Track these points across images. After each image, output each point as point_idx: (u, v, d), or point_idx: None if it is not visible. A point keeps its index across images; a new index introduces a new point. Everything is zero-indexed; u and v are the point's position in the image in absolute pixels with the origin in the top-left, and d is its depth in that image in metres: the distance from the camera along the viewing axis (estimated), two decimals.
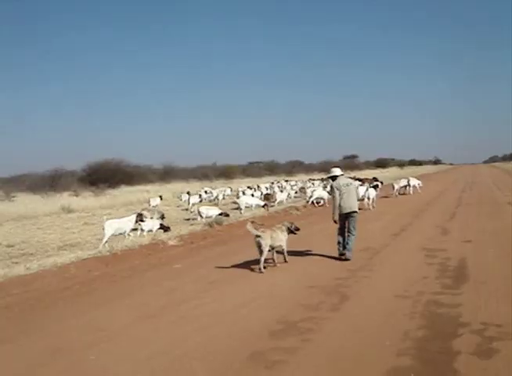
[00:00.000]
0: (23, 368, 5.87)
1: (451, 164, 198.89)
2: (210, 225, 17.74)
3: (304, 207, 24.99)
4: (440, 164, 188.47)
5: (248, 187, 37.21)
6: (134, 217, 15.81)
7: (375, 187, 25.68)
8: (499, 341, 5.73)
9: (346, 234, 11.33)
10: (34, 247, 16.19)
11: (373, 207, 23.45)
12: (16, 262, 12.95)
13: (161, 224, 17.08)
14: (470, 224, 15.84)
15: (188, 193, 31.69)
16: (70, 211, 29.89)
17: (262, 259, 10.35)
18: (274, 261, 10.97)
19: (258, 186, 38.26)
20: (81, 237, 17.85)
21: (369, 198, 23.55)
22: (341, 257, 11.10)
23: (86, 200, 35.93)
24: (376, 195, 25.32)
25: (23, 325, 7.58)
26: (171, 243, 14.35)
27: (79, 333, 7.04)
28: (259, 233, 10.49)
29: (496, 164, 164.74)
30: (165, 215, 20.61)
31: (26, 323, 7.66)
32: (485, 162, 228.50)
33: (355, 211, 11.39)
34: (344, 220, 11.38)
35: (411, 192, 31.69)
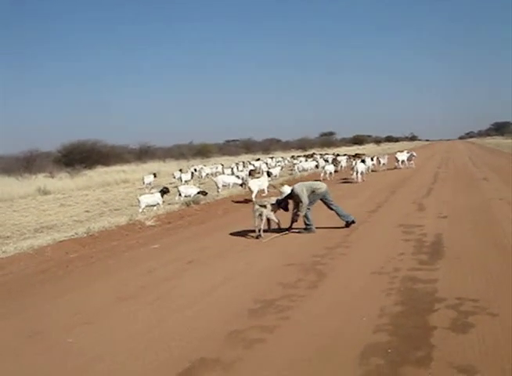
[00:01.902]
0: (0, 352, 5.82)
1: (427, 141, 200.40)
2: (187, 204, 17.69)
3: (282, 184, 24.97)
4: (416, 140, 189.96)
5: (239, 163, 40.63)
6: (158, 194, 17.67)
7: (363, 161, 27.58)
8: (474, 315, 5.80)
9: (332, 207, 12.06)
10: (10, 230, 16.02)
11: (363, 180, 25.19)
12: None
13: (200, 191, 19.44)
14: (446, 200, 15.97)
15: (180, 170, 32.92)
16: (46, 192, 29.57)
17: (262, 226, 11.50)
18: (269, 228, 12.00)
19: (244, 164, 40.23)
20: (58, 219, 17.71)
21: (357, 172, 25.19)
22: (311, 232, 11.72)
23: (62, 182, 35.54)
24: (367, 168, 28.18)
25: (0, 309, 7.51)
26: (148, 223, 14.29)
27: (56, 316, 6.99)
28: (262, 203, 11.71)
29: (472, 139, 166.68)
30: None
31: (2, 307, 7.58)
32: (461, 138, 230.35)
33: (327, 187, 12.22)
34: (324, 198, 12.05)
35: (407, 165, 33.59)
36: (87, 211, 19.64)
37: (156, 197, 17.66)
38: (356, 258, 9.02)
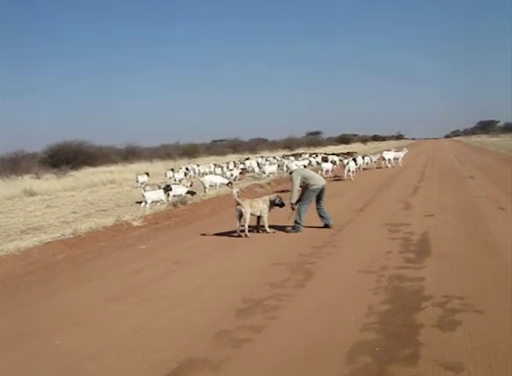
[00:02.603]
0: None
1: (413, 139, 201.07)
2: (174, 204, 17.66)
3: (269, 184, 25.05)
4: (402, 139, 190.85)
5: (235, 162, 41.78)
6: (162, 191, 19.19)
7: (354, 160, 28.40)
8: (461, 313, 5.85)
9: (319, 206, 12.11)
10: None
11: (353, 177, 25.90)
12: None
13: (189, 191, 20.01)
14: (433, 198, 16.08)
15: (172, 170, 33.97)
16: (32, 194, 29.30)
17: (246, 226, 11.44)
18: (257, 229, 11.97)
19: (235, 163, 40.84)
20: (44, 220, 17.56)
21: (349, 170, 26.09)
22: (297, 231, 11.81)
23: (48, 183, 35.27)
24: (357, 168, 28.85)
25: None
26: (135, 223, 14.23)
27: (43, 318, 6.94)
28: (239, 201, 11.58)
29: (458, 138, 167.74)
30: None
31: None
32: (447, 136, 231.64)
33: (325, 183, 12.25)
34: (318, 195, 12.05)
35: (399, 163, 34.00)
36: (74, 212, 19.51)
37: (160, 194, 18.90)
38: (343, 257, 9.05)
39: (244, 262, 9.23)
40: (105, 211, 19.26)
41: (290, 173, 12.47)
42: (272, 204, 11.88)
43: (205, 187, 22.35)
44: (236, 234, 11.62)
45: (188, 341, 5.61)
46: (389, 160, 33.58)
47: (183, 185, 22.09)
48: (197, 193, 20.07)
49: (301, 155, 48.15)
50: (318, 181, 12.06)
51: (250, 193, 21.12)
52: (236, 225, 11.60)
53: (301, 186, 11.97)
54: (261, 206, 11.73)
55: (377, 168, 32.62)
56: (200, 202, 18.71)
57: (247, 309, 6.54)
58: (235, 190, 12.25)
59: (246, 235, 11.43)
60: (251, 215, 11.59)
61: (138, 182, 29.44)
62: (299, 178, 11.88)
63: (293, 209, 12.05)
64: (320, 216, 12.06)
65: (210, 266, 9.03)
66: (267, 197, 12.04)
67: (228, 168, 35.83)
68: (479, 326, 5.45)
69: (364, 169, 31.27)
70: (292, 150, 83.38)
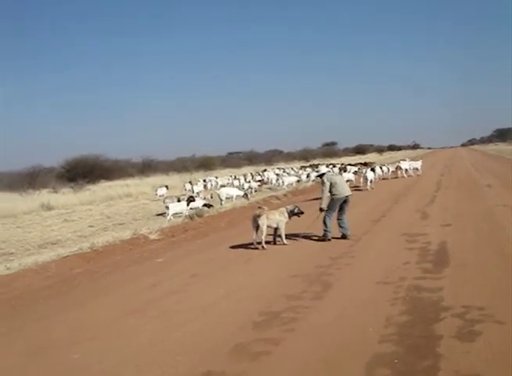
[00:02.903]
0: (4, 369, 5.81)
1: (429, 149, 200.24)
2: (190, 217, 17.70)
3: (285, 195, 25.05)
4: (418, 148, 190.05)
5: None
6: (185, 202, 19.74)
7: (373, 170, 28.38)
8: (480, 323, 5.77)
9: (340, 217, 12.12)
10: (14, 246, 16.00)
11: (372, 188, 25.82)
12: None
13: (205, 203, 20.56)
14: (450, 208, 15.94)
15: (190, 182, 34.70)
16: (49, 208, 29.54)
17: (263, 238, 11.51)
18: (274, 240, 11.95)
19: (252, 175, 41.66)
20: (62, 235, 17.70)
21: (367, 180, 26.26)
22: (325, 239, 11.92)
23: (65, 197, 35.53)
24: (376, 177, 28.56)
25: (4, 325, 7.50)
26: (152, 237, 14.29)
27: (62, 331, 6.99)
28: (257, 213, 11.76)
29: (475, 146, 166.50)
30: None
31: (7, 323, 7.59)
32: (464, 145, 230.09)
33: (351, 195, 12.31)
34: (341, 204, 12.10)
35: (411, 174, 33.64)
36: (91, 226, 19.64)
37: (184, 206, 19.41)
38: (361, 268, 9.00)
39: (261, 274, 9.21)
40: (122, 224, 19.35)
41: (320, 176, 12.62)
42: (292, 213, 11.92)
43: (221, 199, 22.39)
44: (252, 246, 11.60)
45: (205, 354, 5.59)
46: (406, 170, 33.41)
47: (203, 197, 22.35)
48: (214, 205, 20.13)
49: (317, 166, 48.17)
50: (342, 190, 12.03)
51: (265, 204, 21.12)
52: (253, 237, 11.63)
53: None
54: (277, 218, 11.71)
55: (394, 177, 32.43)
56: (217, 214, 18.74)
57: (264, 321, 6.52)
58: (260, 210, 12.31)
59: (263, 247, 11.42)
60: (268, 226, 11.61)
61: (157, 194, 30.18)
62: (328, 183, 11.95)
63: (321, 210, 12.12)
64: (339, 226, 12.03)
65: (227, 279, 9.03)
66: (283, 209, 12.01)
67: (246, 179, 36.26)
68: (499, 336, 5.37)
69: (383, 179, 31.14)
70: (308, 161, 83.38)
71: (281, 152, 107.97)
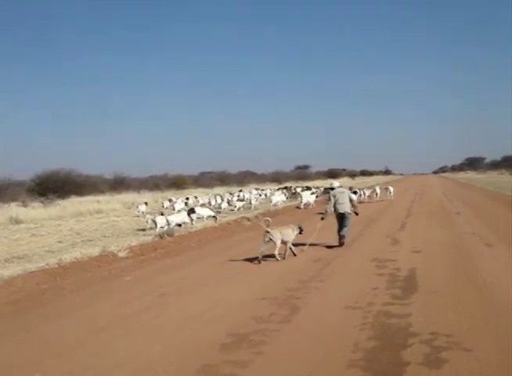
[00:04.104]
0: None
1: (401, 175, 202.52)
2: (160, 236, 17.56)
3: (256, 217, 24.96)
4: (390, 174, 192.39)
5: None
6: (185, 213, 21.24)
7: (354, 193, 29.61)
8: (447, 350, 5.78)
9: (341, 228, 14.26)
10: None
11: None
12: None
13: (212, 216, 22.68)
14: (420, 234, 16.08)
15: (170, 200, 37.01)
16: (18, 221, 29.11)
17: (276, 252, 12.35)
18: (291, 251, 12.83)
19: (232, 194, 42.52)
20: (29, 249, 17.39)
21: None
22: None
23: (35, 211, 35.02)
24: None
25: None
26: (120, 255, 14.11)
27: (27, 349, 6.82)
28: (268, 229, 12.40)
29: (446, 174, 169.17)
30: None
31: None
32: (435, 172, 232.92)
33: (348, 212, 14.41)
34: (340, 219, 14.34)
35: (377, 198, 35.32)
36: (59, 242, 19.34)
37: (184, 216, 20.65)
38: (330, 293, 8.98)
39: (230, 296, 9.12)
40: (91, 241, 19.10)
41: (331, 189, 14.84)
42: (301, 230, 13.05)
43: (192, 219, 22.29)
44: (225, 267, 11.53)
45: (172, 375, 5.51)
46: (376, 194, 35.29)
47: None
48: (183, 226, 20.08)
49: (290, 188, 48.80)
50: (339, 206, 14.27)
51: (237, 226, 21.10)
52: (260, 250, 12.23)
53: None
54: (290, 233, 12.71)
55: (368, 202, 32.93)
56: (187, 234, 18.62)
57: (232, 343, 6.45)
58: (263, 221, 13.38)
59: (283, 258, 12.40)
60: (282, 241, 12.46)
61: (138, 211, 30.98)
62: (333, 198, 14.29)
63: (322, 219, 14.58)
64: (341, 235, 14.15)
65: (196, 299, 8.94)
66: (293, 226, 13.02)
67: (221, 199, 37.44)
68: (466, 364, 5.38)
69: (360, 202, 31.40)
70: (280, 183, 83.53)
71: (253, 173, 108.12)
